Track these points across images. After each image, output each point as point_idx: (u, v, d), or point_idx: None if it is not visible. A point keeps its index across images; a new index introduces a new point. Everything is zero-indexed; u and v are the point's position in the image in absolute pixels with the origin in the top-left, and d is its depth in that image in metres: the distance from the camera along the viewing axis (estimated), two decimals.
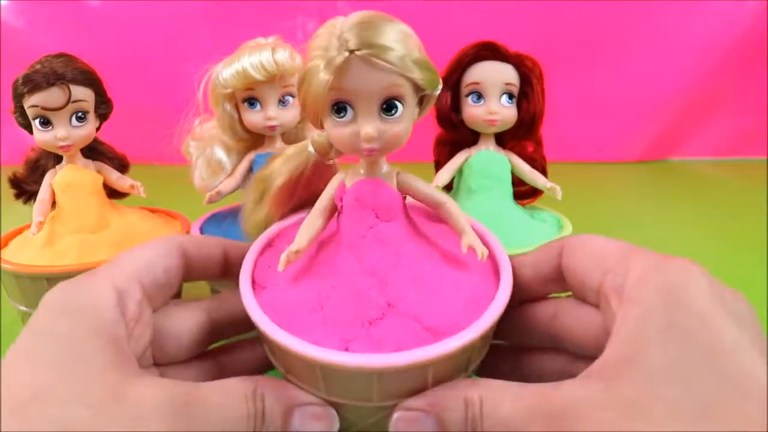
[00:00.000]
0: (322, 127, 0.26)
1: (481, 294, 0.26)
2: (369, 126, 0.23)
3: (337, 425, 0.25)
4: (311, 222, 0.27)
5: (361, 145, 0.24)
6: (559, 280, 0.27)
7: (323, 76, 0.22)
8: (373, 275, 0.25)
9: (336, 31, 0.23)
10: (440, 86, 0.25)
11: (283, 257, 0.25)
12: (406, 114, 0.24)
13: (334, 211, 0.27)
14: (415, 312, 0.24)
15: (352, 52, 0.22)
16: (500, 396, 0.22)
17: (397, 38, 0.22)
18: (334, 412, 0.25)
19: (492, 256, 0.28)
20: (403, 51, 0.22)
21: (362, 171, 0.27)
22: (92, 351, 0.21)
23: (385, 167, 0.27)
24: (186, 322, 0.28)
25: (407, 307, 0.24)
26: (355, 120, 0.24)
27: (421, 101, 0.25)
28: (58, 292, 0.24)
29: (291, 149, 0.29)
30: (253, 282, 0.27)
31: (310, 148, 0.28)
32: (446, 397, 0.23)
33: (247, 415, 0.23)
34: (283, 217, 0.31)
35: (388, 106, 0.23)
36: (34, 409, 0.19)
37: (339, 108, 0.23)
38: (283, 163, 0.29)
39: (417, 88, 0.24)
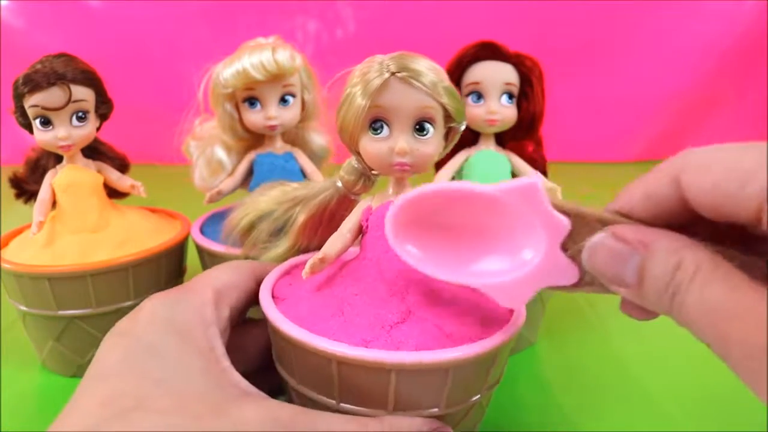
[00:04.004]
0: (356, 151, 0.27)
1: (496, 315, 0.27)
2: (403, 141, 0.25)
3: None
4: (338, 236, 0.28)
5: (394, 159, 0.26)
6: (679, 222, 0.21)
7: (365, 92, 0.25)
8: (395, 284, 0.26)
9: (376, 61, 0.25)
10: (465, 123, 0.27)
11: (308, 264, 0.26)
12: (436, 137, 0.26)
13: (359, 232, 0.28)
14: (435, 319, 0.25)
15: (392, 74, 0.25)
16: (718, 276, 0.17)
17: (430, 67, 0.25)
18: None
19: None
20: (435, 77, 0.25)
21: (390, 191, 0.28)
22: (197, 371, 0.22)
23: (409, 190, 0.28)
24: (254, 338, 0.30)
25: (427, 314, 0.25)
26: (391, 136, 0.26)
27: (447, 135, 0.27)
28: (161, 307, 0.25)
29: (314, 188, 0.32)
30: (274, 297, 0.28)
31: (339, 184, 0.30)
32: (660, 246, 0.19)
33: None
34: (306, 249, 0.33)
35: (420, 127, 0.26)
36: (136, 416, 0.19)
37: (376, 125, 0.26)
38: (304, 200, 0.31)
39: (446, 115, 0.26)
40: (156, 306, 0.25)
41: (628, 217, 0.20)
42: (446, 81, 0.26)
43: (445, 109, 0.26)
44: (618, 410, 0.36)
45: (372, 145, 0.26)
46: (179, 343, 0.23)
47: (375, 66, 0.25)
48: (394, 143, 0.25)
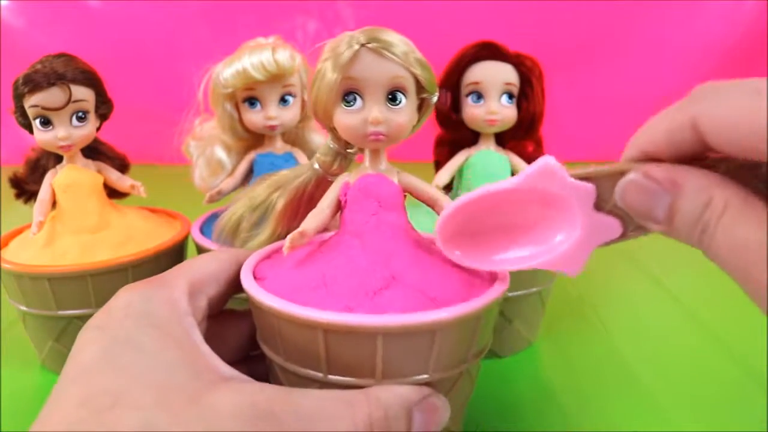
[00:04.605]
0: (331, 127, 0.28)
1: (478, 281, 0.27)
2: (377, 111, 0.26)
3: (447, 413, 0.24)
4: (317, 212, 0.28)
5: (369, 128, 0.26)
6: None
7: (336, 65, 0.25)
8: (377, 254, 0.26)
9: (346, 35, 0.26)
10: (437, 94, 0.27)
11: (287, 239, 0.26)
12: (409, 107, 0.27)
13: (338, 208, 0.29)
14: (419, 284, 0.25)
15: (362, 45, 0.25)
16: (745, 214, 0.17)
17: (401, 40, 0.26)
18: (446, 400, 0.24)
19: None
20: (406, 48, 0.26)
21: (366, 164, 0.28)
22: (175, 362, 0.22)
23: (385, 164, 0.28)
24: (233, 328, 0.30)
25: (411, 280, 0.25)
26: (364, 107, 0.26)
27: (420, 107, 0.28)
28: (136, 300, 0.24)
29: (291, 172, 0.31)
30: (255, 278, 0.28)
31: (316, 165, 0.30)
32: (690, 184, 0.19)
33: (353, 422, 0.21)
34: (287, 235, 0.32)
35: (393, 97, 0.26)
36: (114, 413, 0.19)
37: (349, 97, 0.26)
38: (283, 185, 0.31)
39: (418, 86, 0.26)
40: (131, 299, 0.24)
41: (649, 161, 0.21)
42: (417, 52, 0.26)
43: (417, 80, 0.26)
44: (618, 410, 0.36)
45: (346, 117, 0.26)
46: (155, 335, 0.23)
47: (345, 39, 0.25)
48: (367, 114, 0.26)
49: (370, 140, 0.26)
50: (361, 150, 0.29)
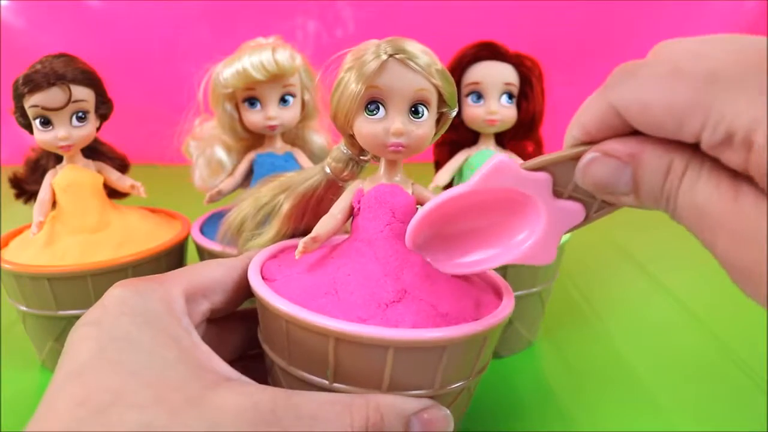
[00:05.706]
0: (349, 133, 0.28)
1: (486, 300, 0.27)
2: (399, 122, 0.26)
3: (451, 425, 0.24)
4: (330, 216, 0.28)
5: (390, 139, 0.26)
6: None
7: (363, 74, 0.25)
8: (389, 265, 0.26)
9: (371, 44, 0.26)
10: (456, 108, 0.28)
11: (300, 244, 0.26)
12: (429, 120, 0.27)
13: (350, 214, 0.29)
14: (431, 299, 0.25)
15: (390, 56, 0.25)
16: (704, 176, 0.17)
17: (423, 50, 0.26)
18: (448, 411, 0.24)
19: (489, 277, 0.30)
20: (429, 60, 0.26)
21: (381, 173, 0.28)
22: (173, 360, 0.22)
23: (400, 175, 0.28)
24: (232, 329, 0.30)
25: (423, 293, 0.25)
26: (387, 117, 0.26)
27: (439, 120, 0.28)
28: (131, 297, 0.24)
29: (300, 175, 0.32)
30: (263, 278, 0.28)
31: (327, 170, 0.30)
32: (648, 152, 0.18)
33: (351, 424, 0.22)
34: (292, 236, 0.32)
35: (415, 110, 0.26)
36: (113, 412, 0.19)
37: (372, 106, 0.26)
38: (291, 187, 0.31)
39: (440, 99, 0.27)
40: (125, 295, 0.24)
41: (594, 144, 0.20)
42: (439, 64, 0.26)
43: (438, 93, 0.26)
44: (617, 410, 0.36)
45: (367, 126, 0.26)
46: (152, 332, 0.22)
47: (371, 48, 0.25)
48: (390, 124, 0.26)
49: (390, 151, 0.26)
50: (375, 158, 0.29)
